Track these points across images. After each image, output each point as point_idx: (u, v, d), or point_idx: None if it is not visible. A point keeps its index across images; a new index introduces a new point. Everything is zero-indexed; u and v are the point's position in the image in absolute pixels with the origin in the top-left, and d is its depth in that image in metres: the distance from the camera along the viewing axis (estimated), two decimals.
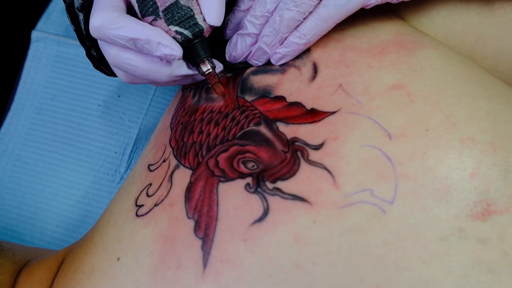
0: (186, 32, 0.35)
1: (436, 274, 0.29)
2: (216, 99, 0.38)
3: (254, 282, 0.30)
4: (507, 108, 0.33)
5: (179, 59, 0.35)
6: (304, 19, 0.36)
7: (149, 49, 0.34)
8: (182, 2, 0.35)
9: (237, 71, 0.39)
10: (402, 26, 0.38)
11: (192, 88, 0.40)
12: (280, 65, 0.37)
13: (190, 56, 0.36)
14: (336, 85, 0.34)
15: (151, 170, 0.38)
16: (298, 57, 0.37)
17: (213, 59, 0.38)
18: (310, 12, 0.36)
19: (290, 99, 0.35)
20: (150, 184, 0.36)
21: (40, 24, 0.57)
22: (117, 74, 0.39)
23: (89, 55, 0.40)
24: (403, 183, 0.30)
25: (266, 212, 0.31)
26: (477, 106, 0.33)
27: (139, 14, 0.35)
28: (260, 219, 0.31)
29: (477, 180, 0.30)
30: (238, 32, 0.38)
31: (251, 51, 0.38)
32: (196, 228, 0.32)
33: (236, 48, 0.38)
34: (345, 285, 0.29)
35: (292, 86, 0.35)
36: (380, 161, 0.31)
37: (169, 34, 0.35)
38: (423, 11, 0.40)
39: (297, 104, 0.35)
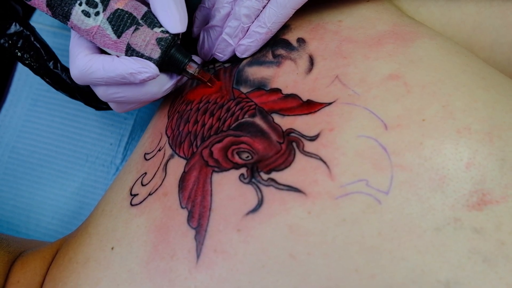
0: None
1: (432, 264, 0.29)
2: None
3: (248, 272, 0.30)
4: (504, 98, 0.33)
5: (157, 75, 0.35)
6: (264, 7, 0.36)
7: (130, 80, 0.35)
8: None
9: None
10: (399, 17, 0.38)
11: None
12: (275, 58, 0.37)
13: (173, 66, 0.37)
14: (333, 77, 0.34)
15: (146, 159, 0.37)
16: (294, 49, 0.37)
17: (193, 56, 0.38)
18: (269, 0, 0.36)
19: (286, 91, 0.35)
20: (145, 173, 0.36)
21: (36, 16, 0.56)
22: (111, 107, 0.41)
23: (74, 97, 0.43)
24: (399, 173, 0.30)
25: (260, 203, 0.31)
26: (474, 96, 0.32)
27: (113, 36, 0.35)
28: (254, 209, 0.31)
29: (473, 170, 0.30)
30: (204, 27, 0.39)
31: None
32: (190, 218, 0.32)
33: (204, 44, 0.39)
34: (339, 275, 0.29)
35: (288, 79, 0.35)
36: (376, 151, 0.31)
37: (155, 37, 0.35)
38: (421, 1, 0.39)
39: (293, 96, 0.34)
